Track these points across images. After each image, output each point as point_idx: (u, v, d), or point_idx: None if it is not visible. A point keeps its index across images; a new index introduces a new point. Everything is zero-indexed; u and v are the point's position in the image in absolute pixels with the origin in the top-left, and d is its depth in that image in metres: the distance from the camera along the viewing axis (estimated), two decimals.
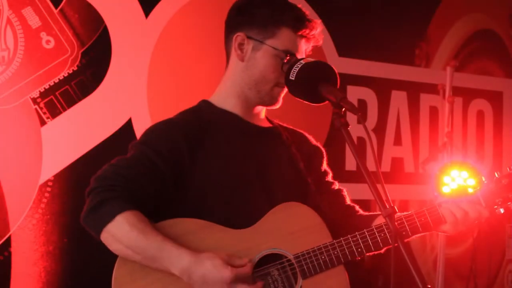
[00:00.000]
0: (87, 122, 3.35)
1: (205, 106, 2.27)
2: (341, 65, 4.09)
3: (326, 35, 4.13)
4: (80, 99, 3.33)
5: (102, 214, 2.01)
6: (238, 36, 2.21)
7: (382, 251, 2.21)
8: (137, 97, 3.49)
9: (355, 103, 4.16)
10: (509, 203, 2.15)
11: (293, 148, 2.30)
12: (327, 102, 2.00)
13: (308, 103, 2.07)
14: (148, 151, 2.09)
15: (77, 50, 3.33)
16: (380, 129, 4.39)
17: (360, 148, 1.88)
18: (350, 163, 4.19)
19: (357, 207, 2.37)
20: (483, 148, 4.87)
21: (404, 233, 2.13)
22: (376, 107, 4.38)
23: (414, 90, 4.54)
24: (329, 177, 2.38)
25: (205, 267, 1.97)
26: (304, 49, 2.22)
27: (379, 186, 1.76)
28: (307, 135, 2.41)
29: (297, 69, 2.03)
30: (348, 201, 2.37)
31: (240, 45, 2.21)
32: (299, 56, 2.18)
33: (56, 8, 3.28)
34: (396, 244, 1.72)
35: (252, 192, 2.17)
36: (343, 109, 1.90)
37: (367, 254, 2.23)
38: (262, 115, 2.31)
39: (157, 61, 3.53)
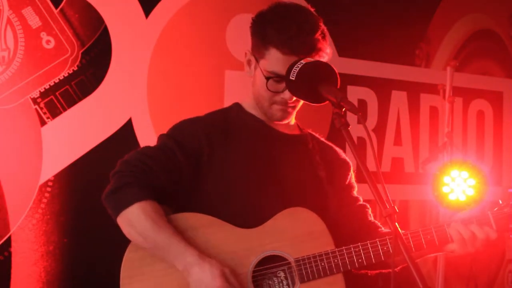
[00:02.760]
0: (87, 122, 3.34)
1: (236, 108, 2.33)
2: (341, 65, 4.08)
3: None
4: (80, 99, 3.33)
5: (122, 198, 2.10)
6: (246, 53, 2.27)
7: (397, 269, 2.17)
8: (137, 97, 3.49)
9: (355, 103, 4.16)
10: None
11: (317, 157, 2.31)
12: (327, 102, 1.99)
13: (308, 103, 2.07)
14: (171, 143, 2.17)
15: (77, 50, 3.33)
16: (380, 129, 4.39)
17: (360, 148, 1.87)
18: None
19: (378, 224, 2.35)
20: (483, 148, 4.86)
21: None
22: (376, 107, 4.38)
23: (414, 90, 4.53)
24: (354, 192, 2.38)
25: (203, 270, 2.02)
26: None
27: (379, 186, 1.76)
28: (336, 148, 2.42)
29: (297, 69, 2.03)
30: (370, 218, 2.36)
31: (248, 62, 2.27)
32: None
33: (56, 8, 3.28)
34: (396, 245, 1.72)
35: (265, 195, 2.19)
36: (343, 109, 1.90)
37: (376, 271, 2.22)
38: (292, 121, 2.33)
39: (157, 61, 3.53)
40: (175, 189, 2.17)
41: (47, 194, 3.25)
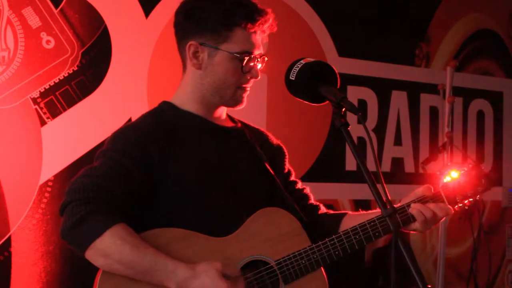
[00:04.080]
0: (87, 122, 3.35)
1: (168, 108, 2.23)
2: (341, 65, 4.09)
3: (326, 35, 4.15)
4: (80, 99, 3.33)
5: (88, 229, 1.96)
6: (191, 45, 2.16)
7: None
8: (137, 97, 3.49)
9: (355, 103, 4.17)
10: (466, 200, 2.23)
11: (257, 147, 2.28)
12: (327, 102, 1.99)
13: (308, 103, 2.06)
14: (120, 158, 2.03)
15: (77, 50, 3.33)
16: (380, 129, 4.39)
17: (360, 148, 1.87)
18: (350, 163, 4.19)
19: (321, 206, 2.38)
20: (483, 148, 4.87)
21: (376, 234, 2.16)
22: (376, 107, 4.38)
23: (414, 90, 4.54)
24: (293, 177, 2.38)
25: (202, 281, 1.97)
26: (260, 41, 2.19)
27: (379, 186, 1.76)
28: (268, 133, 2.40)
29: (297, 69, 2.02)
30: (312, 200, 2.38)
31: (195, 53, 2.16)
32: (256, 52, 2.16)
33: (56, 8, 3.28)
34: (397, 243, 1.72)
35: (225, 198, 2.14)
36: (343, 109, 1.89)
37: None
38: (224, 115, 2.28)
39: (157, 61, 3.53)
40: (136, 207, 2.04)
41: (47, 194, 3.25)
